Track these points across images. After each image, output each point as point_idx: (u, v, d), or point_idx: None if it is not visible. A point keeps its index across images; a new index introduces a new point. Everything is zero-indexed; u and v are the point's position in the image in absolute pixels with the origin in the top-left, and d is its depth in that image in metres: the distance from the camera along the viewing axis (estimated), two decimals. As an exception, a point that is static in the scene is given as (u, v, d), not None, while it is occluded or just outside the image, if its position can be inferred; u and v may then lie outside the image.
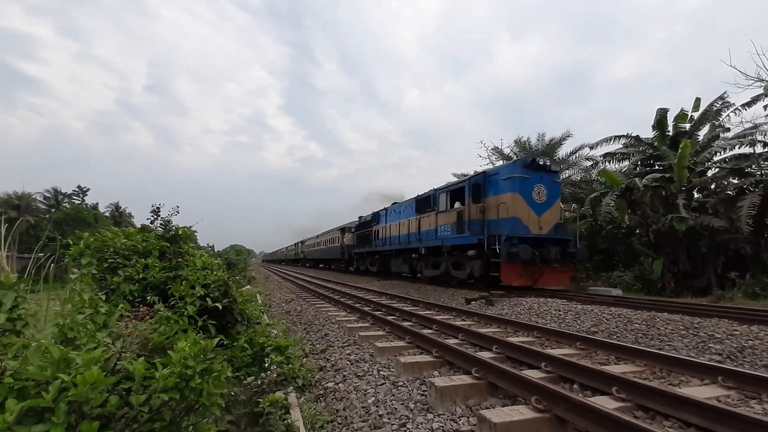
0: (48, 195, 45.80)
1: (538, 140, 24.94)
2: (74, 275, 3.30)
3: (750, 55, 18.29)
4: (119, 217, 50.30)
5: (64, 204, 45.76)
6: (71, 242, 3.67)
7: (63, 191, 47.49)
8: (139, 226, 4.65)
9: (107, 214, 49.44)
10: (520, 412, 2.90)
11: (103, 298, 2.48)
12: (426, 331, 6.09)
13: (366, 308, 8.86)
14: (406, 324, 6.69)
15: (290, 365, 3.43)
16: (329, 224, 43.46)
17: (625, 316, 6.96)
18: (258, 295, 11.24)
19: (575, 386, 3.77)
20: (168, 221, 4.47)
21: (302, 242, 50.11)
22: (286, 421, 2.74)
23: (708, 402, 2.90)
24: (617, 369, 4.24)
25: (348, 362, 4.79)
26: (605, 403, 3.03)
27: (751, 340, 5.24)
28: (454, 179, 18.97)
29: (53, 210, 43.13)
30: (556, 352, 4.85)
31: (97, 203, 49.64)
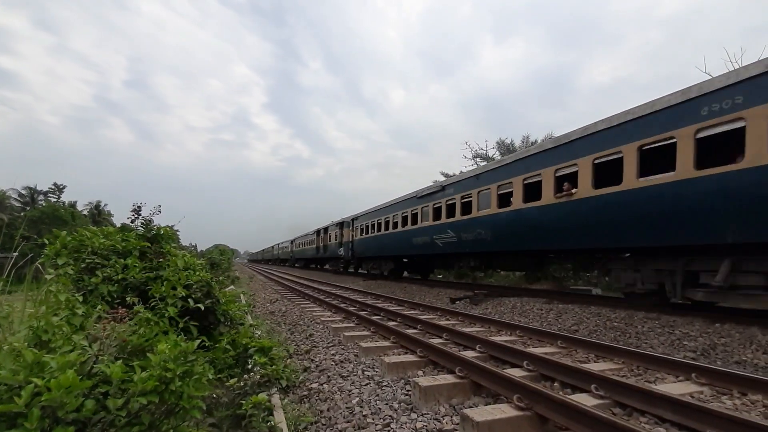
0: (23, 192, 44.35)
1: (523, 142, 25.40)
2: (50, 275, 3.20)
3: (723, 62, 18.95)
4: (98, 215, 48.96)
5: (40, 202, 44.35)
6: (47, 241, 3.56)
7: (39, 189, 46.06)
8: (119, 225, 4.55)
9: (85, 212, 48.11)
10: (503, 411, 2.95)
11: (80, 299, 2.43)
12: (410, 331, 6.12)
13: (351, 308, 8.85)
14: (391, 324, 6.71)
15: (274, 366, 3.40)
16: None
17: (605, 315, 7.13)
18: (242, 295, 11.10)
19: (556, 384, 3.85)
20: (149, 220, 4.38)
21: (342, 224, 25.71)
22: (269, 423, 2.72)
23: (682, 398, 3.01)
24: (596, 367, 4.34)
25: (333, 363, 4.78)
26: (584, 400, 3.10)
27: (723, 337, 5.43)
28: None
29: (28, 208, 41.75)
30: (538, 350, 4.93)
31: (75, 201, 48.32)
